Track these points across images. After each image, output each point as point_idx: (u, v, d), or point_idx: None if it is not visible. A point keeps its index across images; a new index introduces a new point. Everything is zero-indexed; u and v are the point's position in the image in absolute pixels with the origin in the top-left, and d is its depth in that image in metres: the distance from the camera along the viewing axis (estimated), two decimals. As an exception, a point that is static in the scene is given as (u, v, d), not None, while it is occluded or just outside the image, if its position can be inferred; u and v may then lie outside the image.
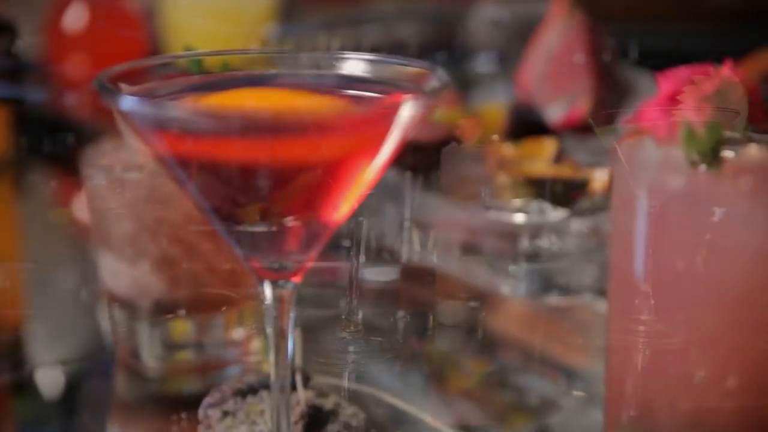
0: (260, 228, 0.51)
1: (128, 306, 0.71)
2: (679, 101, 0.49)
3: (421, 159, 0.85)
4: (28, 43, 1.24)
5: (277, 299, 0.52)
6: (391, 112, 0.49)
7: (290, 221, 0.51)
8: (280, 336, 0.53)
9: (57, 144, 1.28)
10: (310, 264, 0.53)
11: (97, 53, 1.34)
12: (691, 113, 0.48)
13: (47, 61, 1.38)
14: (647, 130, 0.50)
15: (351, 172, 0.51)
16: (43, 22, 1.38)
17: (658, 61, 0.99)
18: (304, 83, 0.57)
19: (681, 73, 0.49)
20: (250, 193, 0.50)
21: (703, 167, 0.49)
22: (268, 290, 0.52)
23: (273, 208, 0.51)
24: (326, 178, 0.51)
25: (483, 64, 1.12)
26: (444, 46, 1.10)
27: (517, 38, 1.10)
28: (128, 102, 0.47)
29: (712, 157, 0.49)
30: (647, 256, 0.52)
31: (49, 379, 0.74)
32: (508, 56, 1.10)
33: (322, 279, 0.87)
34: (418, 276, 0.84)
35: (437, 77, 0.54)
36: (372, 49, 1.06)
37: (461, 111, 0.94)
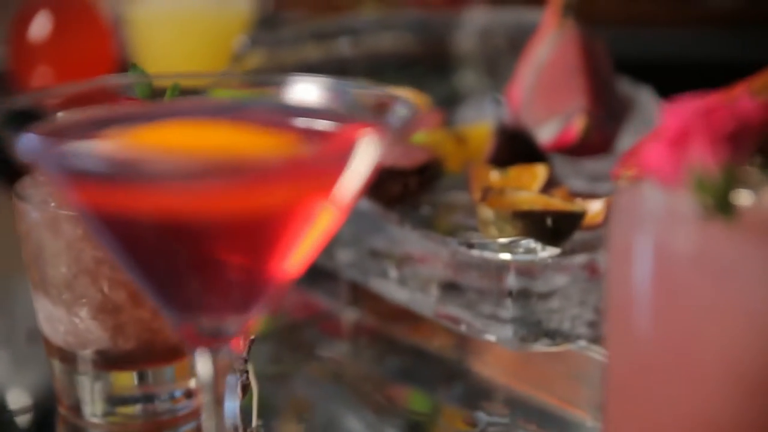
0: (193, 285, 0.44)
1: (67, 356, 0.64)
2: (687, 138, 0.41)
3: (398, 187, 0.77)
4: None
5: (213, 369, 0.45)
6: (346, 151, 0.41)
7: (229, 276, 0.44)
8: (216, 403, 0.46)
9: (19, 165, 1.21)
10: (251, 325, 0.46)
11: (64, 64, 1.28)
12: (703, 153, 0.41)
13: (12, 72, 1.32)
14: (649, 172, 0.42)
15: (301, 218, 0.44)
16: (7, 32, 1.32)
17: (658, 70, 0.93)
18: (250, 114, 0.49)
19: (690, 104, 0.42)
20: (179, 247, 0.42)
21: (716, 217, 0.41)
22: (201, 360, 0.45)
23: (207, 262, 0.43)
24: (271, 226, 0.43)
25: (470, 78, 1.05)
26: (428, 59, 1.04)
27: (509, 50, 1.03)
28: (26, 141, 0.40)
29: (726, 204, 0.41)
30: (649, 317, 0.45)
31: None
32: (498, 70, 1.03)
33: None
34: (395, 317, 0.77)
35: (404, 105, 0.46)
36: (350, 62, 1.00)
37: (445, 132, 0.86)
